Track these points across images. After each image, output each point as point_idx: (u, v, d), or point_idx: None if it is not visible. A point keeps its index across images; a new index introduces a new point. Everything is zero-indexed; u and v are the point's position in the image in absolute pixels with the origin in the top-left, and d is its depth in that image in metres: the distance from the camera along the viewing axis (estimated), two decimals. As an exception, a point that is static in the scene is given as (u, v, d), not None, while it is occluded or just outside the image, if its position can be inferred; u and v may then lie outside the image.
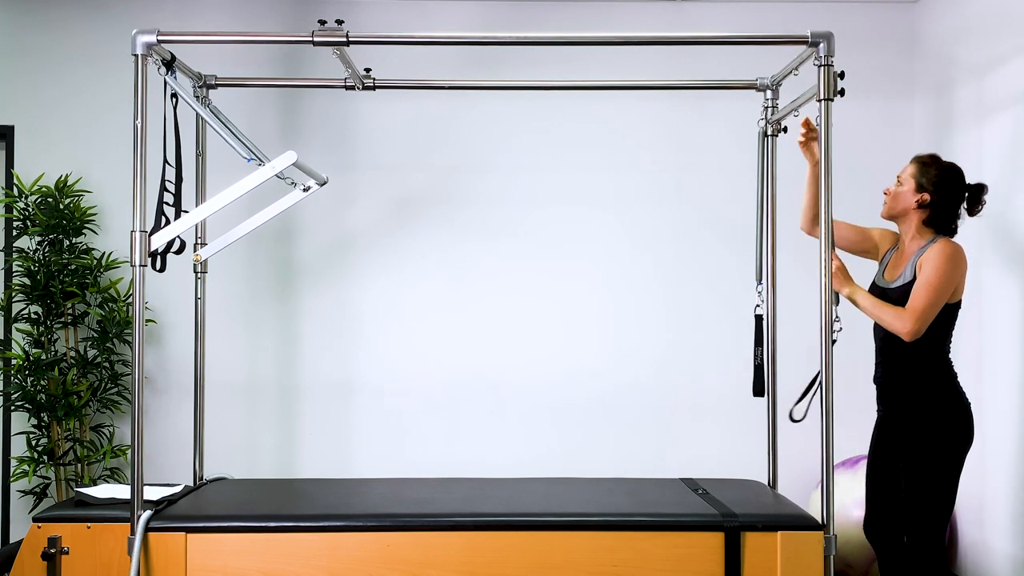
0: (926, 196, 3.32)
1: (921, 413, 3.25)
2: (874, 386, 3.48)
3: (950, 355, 3.31)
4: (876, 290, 3.41)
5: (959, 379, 3.29)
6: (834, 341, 3.10)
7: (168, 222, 3.28)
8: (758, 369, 3.70)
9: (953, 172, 3.36)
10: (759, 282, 3.77)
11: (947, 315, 3.26)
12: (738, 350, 4.79)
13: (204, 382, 3.96)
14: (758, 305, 3.74)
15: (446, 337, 4.86)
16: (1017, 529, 3.97)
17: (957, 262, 3.21)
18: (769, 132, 3.84)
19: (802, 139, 3.48)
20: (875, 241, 3.56)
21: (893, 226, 3.51)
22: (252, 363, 4.85)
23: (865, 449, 4.45)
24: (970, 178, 3.37)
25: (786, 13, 4.88)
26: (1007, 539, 4.04)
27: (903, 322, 3.17)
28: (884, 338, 3.39)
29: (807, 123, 3.44)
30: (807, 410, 3.39)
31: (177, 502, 3.32)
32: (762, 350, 3.71)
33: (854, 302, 3.33)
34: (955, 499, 3.24)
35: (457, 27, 4.86)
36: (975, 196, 3.37)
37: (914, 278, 3.24)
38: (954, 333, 3.32)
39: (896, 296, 3.30)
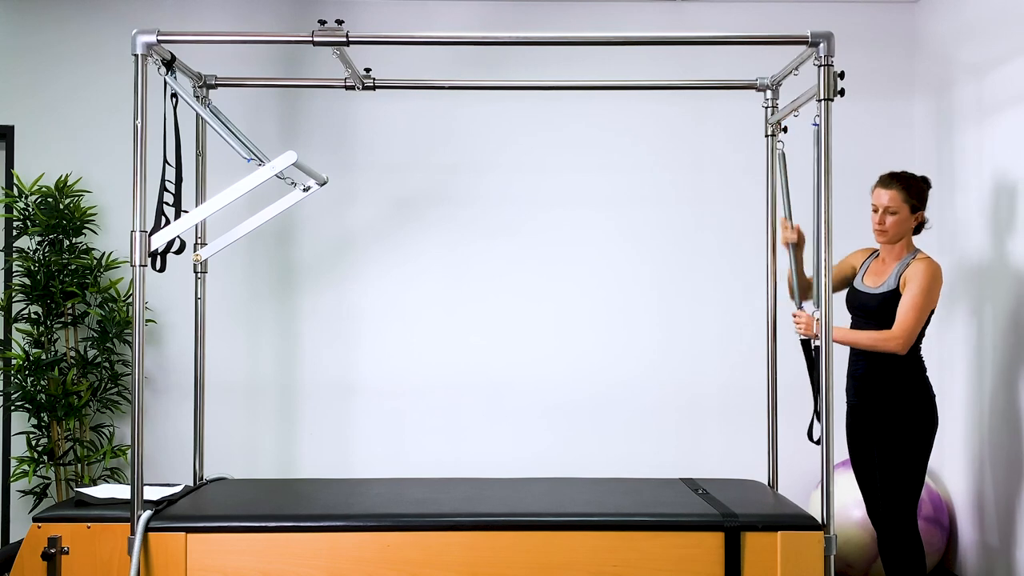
0: (922, 215, 3.61)
1: (894, 404, 3.53)
2: (847, 378, 3.71)
3: (921, 353, 3.59)
4: (855, 294, 3.67)
5: (927, 373, 3.59)
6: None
7: (168, 222, 3.28)
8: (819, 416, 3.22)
9: (926, 183, 3.63)
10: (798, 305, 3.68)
11: None
12: (739, 350, 4.79)
13: (204, 382, 3.96)
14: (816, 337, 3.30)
15: (446, 337, 4.86)
16: (1017, 529, 3.97)
17: (938, 282, 3.53)
18: (768, 132, 3.84)
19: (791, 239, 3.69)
20: (853, 265, 3.78)
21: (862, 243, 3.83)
22: (252, 363, 4.85)
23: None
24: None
25: (786, 13, 4.88)
26: (1007, 539, 4.04)
27: (895, 342, 3.45)
28: (866, 330, 3.62)
29: (796, 230, 3.66)
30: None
31: (177, 502, 3.32)
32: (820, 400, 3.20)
33: (844, 342, 3.54)
34: (924, 480, 3.56)
35: (457, 27, 4.85)
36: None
37: (897, 287, 3.52)
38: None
39: (875, 301, 3.57)
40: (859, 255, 3.79)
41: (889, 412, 3.53)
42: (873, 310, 3.58)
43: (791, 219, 3.70)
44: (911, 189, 3.57)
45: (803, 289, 3.71)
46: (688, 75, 4.69)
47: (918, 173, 3.66)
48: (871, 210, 3.62)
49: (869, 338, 3.49)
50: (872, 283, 3.64)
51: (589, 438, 4.84)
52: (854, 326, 3.68)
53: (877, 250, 3.74)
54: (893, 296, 3.53)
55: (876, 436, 3.58)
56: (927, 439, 3.53)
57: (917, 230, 3.64)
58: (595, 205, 4.88)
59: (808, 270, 3.72)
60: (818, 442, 3.31)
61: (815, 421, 3.43)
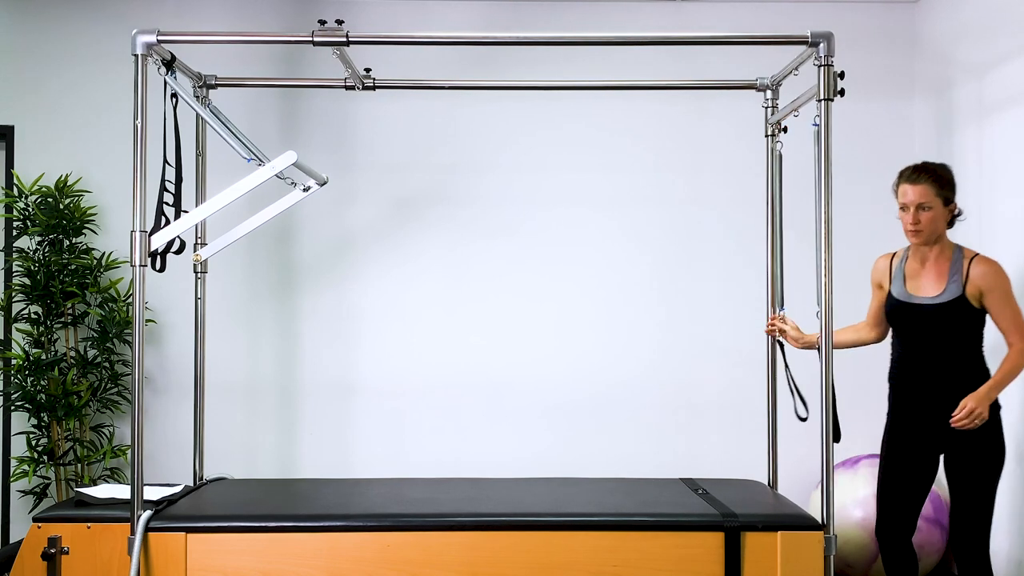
0: (955, 206, 3.34)
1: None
2: (888, 384, 3.49)
3: (984, 355, 3.35)
4: (901, 305, 3.36)
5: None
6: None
7: (168, 222, 3.29)
8: (833, 411, 3.16)
9: (950, 170, 3.38)
10: (781, 307, 3.68)
11: (980, 317, 3.30)
12: (739, 349, 4.79)
13: (204, 382, 3.96)
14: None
15: (446, 337, 4.86)
16: (1017, 529, 3.97)
17: (1006, 274, 3.28)
18: (768, 132, 3.84)
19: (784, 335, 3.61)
20: (881, 283, 3.50)
21: (875, 250, 3.62)
22: (252, 363, 4.85)
23: (865, 449, 4.46)
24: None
25: (786, 13, 4.88)
26: (1007, 539, 4.04)
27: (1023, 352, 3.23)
28: (924, 343, 3.34)
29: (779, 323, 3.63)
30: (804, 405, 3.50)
31: (177, 502, 3.32)
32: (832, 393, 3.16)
33: (1001, 388, 3.26)
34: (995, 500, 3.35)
35: (457, 27, 4.85)
36: None
37: (963, 295, 3.25)
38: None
39: (936, 310, 3.29)
40: (882, 268, 3.50)
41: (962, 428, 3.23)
42: (932, 317, 3.29)
43: (781, 217, 3.73)
44: (942, 180, 3.28)
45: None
46: (688, 75, 4.69)
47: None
48: (899, 209, 3.34)
49: (1013, 368, 3.23)
50: (925, 291, 3.33)
51: (589, 438, 4.84)
52: (902, 338, 3.40)
53: (896, 252, 3.49)
54: (958, 304, 3.25)
55: (937, 452, 3.38)
56: (1003, 456, 3.31)
57: (950, 223, 3.36)
58: (595, 205, 4.88)
59: (802, 327, 3.65)
60: (803, 419, 3.43)
61: (798, 402, 3.46)
